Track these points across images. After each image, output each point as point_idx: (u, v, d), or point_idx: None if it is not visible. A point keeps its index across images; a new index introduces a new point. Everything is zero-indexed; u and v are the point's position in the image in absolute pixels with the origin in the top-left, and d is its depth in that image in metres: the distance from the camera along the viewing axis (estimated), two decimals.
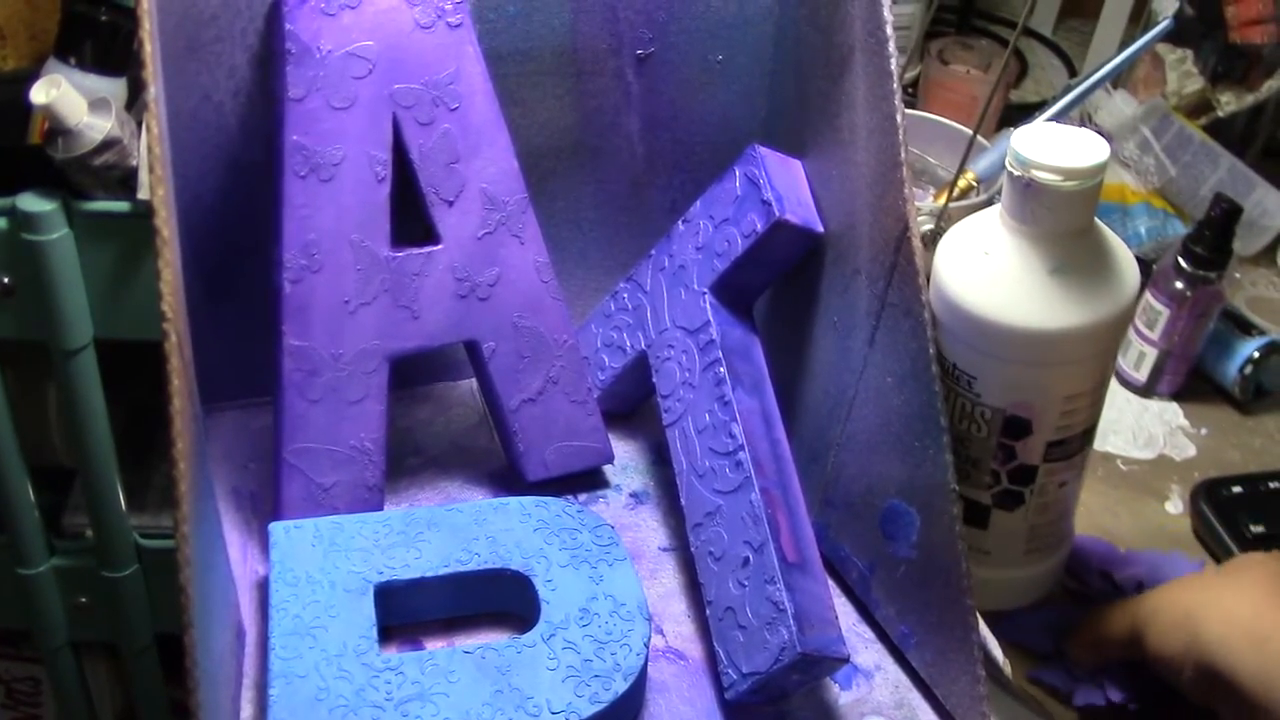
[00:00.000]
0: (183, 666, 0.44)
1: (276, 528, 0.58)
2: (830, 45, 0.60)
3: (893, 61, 0.53)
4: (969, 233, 0.61)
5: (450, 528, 0.59)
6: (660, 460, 0.69)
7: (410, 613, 0.58)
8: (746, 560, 0.56)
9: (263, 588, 0.58)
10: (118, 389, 0.59)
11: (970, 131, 0.78)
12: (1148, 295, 0.82)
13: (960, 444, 0.63)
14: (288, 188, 0.58)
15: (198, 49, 0.59)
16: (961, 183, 0.82)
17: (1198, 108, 0.97)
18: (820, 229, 0.61)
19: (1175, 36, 0.85)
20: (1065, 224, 0.58)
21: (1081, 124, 0.97)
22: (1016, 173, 0.58)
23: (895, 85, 0.53)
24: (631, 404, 0.70)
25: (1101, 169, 0.57)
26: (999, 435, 0.62)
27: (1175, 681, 0.58)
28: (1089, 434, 0.64)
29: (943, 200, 0.80)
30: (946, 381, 0.61)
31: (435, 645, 0.57)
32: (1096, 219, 0.60)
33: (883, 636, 0.60)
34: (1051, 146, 0.57)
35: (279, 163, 0.58)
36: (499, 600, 0.59)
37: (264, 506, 0.63)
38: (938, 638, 0.56)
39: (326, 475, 0.60)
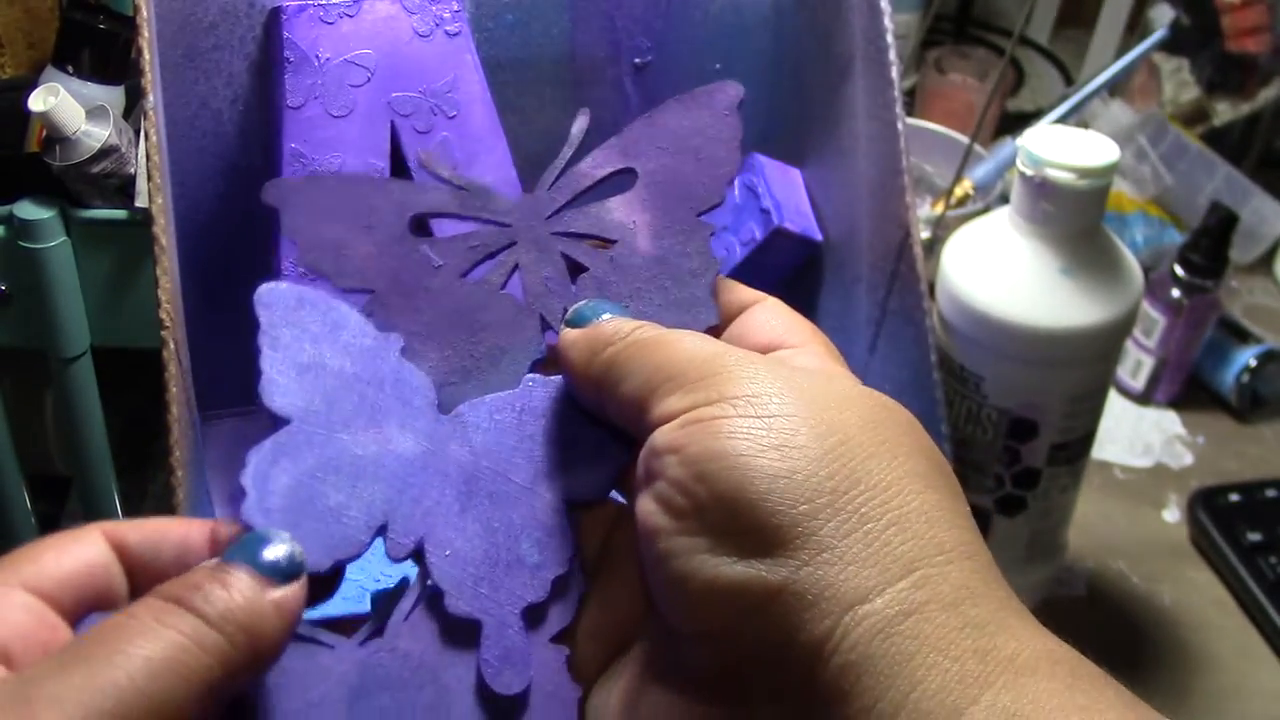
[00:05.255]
0: None
1: None
2: (830, 54, 0.60)
3: (894, 69, 0.53)
4: (978, 235, 0.62)
5: None
6: None
7: None
8: None
9: None
10: (115, 397, 0.59)
11: (967, 140, 0.78)
12: (1145, 304, 0.82)
13: (964, 448, 0.63)
14: None
15: (196, 57, 0.59)
16: (959, 191, 0.83)
17: (1194, 116, 0.98)
18: (819, 237, 0.61)
19: (1171, 45, 0.86)
20: (1076, 223, 0.58)
21: None
22: (1029, 173, 0.58)
23: (896, 93, 0.53)
24: None
25: (1113, 168, 0.58)
26: (1005, 438, 0.62)
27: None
28: (1090, 438, 0.64)
29: (940, 208, 0.80)
30: (953, 383, 0.61)
31: None
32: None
33: None
34: (1063, 146, 0.57)
35: (277, 170, 0.58)
36: None
37: None
38: None
39: None
